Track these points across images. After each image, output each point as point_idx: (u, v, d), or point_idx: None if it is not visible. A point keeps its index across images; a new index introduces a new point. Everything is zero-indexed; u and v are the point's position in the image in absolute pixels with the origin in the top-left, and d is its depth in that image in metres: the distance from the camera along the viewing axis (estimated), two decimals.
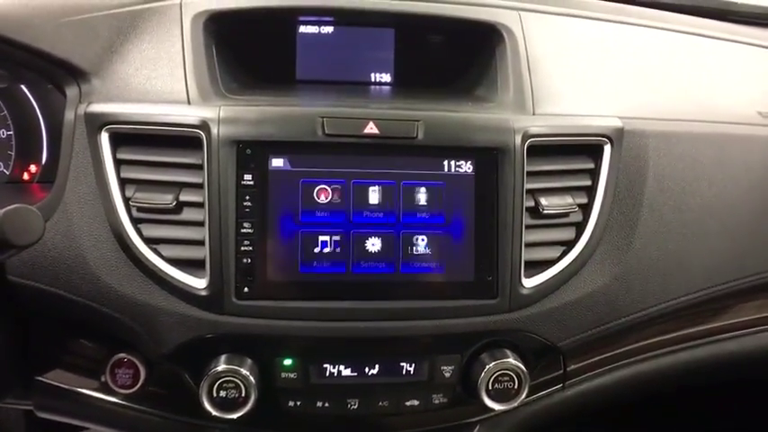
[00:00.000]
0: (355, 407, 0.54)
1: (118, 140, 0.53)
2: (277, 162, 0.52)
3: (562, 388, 0.61)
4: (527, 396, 0.58)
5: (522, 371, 0.53)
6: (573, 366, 0.61)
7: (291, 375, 0.52)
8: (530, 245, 0.55)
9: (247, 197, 0.51)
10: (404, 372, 0.54)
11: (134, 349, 0.56)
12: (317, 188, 0.52)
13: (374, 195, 0.52)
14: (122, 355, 0.56)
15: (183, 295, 0.52)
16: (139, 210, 0.52)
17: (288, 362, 0.52)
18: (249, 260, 0.51)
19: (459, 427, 0.58)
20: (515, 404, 0.54)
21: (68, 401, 0.58)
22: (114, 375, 0.57)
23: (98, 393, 0.57)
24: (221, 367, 0.50)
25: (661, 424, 1.10)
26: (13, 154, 0.67)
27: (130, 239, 0.51)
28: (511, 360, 0.53)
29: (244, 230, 0.51)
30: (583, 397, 0.63)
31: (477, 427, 0.60)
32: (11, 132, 0.66)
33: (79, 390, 0.57)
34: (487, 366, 0.53)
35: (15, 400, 0.59)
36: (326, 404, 0.53)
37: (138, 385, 0.56)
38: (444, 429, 0.54)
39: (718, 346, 0.66)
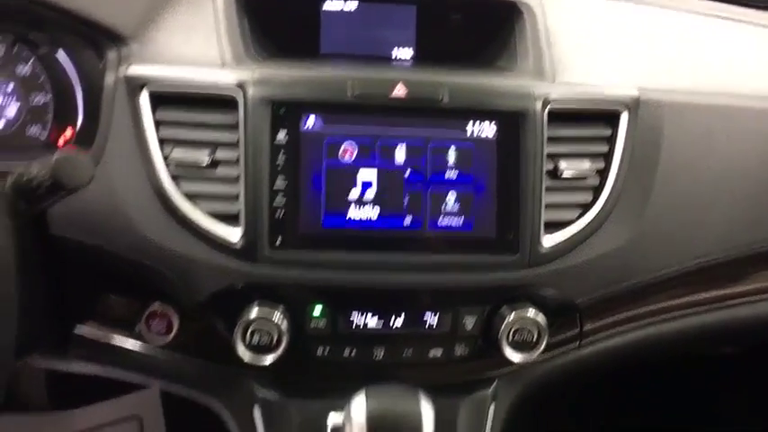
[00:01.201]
0: (380, 356, 0.56)
1: (156, 101, 0.55)
2: (309, 122, 0.54)
3: (578, 347, 0.64)
4: (544, 352, 0.61)
5: (541, 324, 0.56)
6: (589, 326, 0.64)
7: (320, 324, 0.55)
8: (549, 206, 0.57)
9: (280, 154, 0.54)
10: (427, 324, 0.57)
11: (168, 301, 0.59)
12: (345, 147, 0.54)
13: (401, 154, 0.55)
14: (156, 306, 0.59)
15: (219, 246, 0.54)
16: (177, 167, 0.54)
17: (317, 311, 0.55)
18: (281, 213, 0.53)
19: (478, 381, 0.61)
20: (534, 356, 0.56)
21: (104, 353, 0.60)
22: (149, 326, 0.59)
23: (133, 344, 0.60)
24: (254, 314, 0.53)
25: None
26: (50, 119, 0.69)
27: (169, 195, 0.54)
28: (531, 313, 0.56)
29: (276, 186, 0.53)
30: (597, 357, 0.65)
31: (496, 382, 0.62)
32: (49, 97, 0.69)
33: (114, 341, 0.60)
34: (508, 318, 0.56)
35: (52, 352, 0.62)
36: (353, 353, 0.56)
37: (172, 335, 0.59)
38: (465, 384, 0.57)
39: (732, 312, 0.68)
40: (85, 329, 0.60)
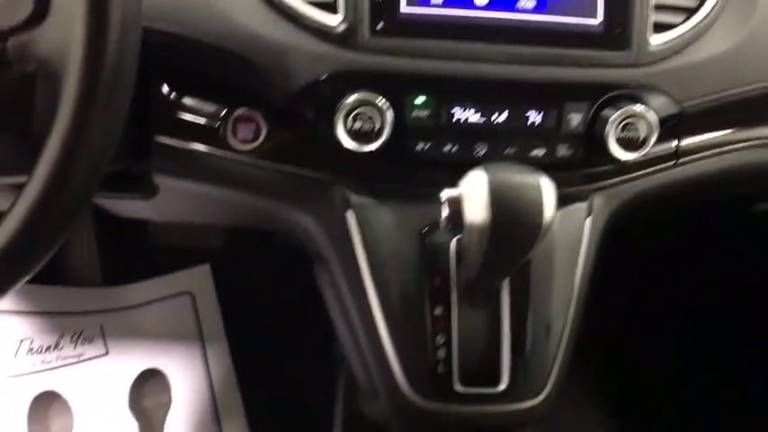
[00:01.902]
0: (481, 153, 0.54)
1: None
2: None
3: (673, 165, 0.61)
4: (640, 168, 0.59)
5: (650, 120, 0.54)
6: (686, 142, 0.61)
7: (422, 114, 0.53)
8: (657, 7, 0.55)
9: None
10: (530, 120, 0.54)
11: (255, 105, 0.56)
12: None
13: None
14: (243, 110, 0.56)
15: (317, 33, 0.52)
16: None
17: (420, 100, 0.53)
18: None
19: (577, 192, 0.59)
20: (641, 154, 0.54)
21: (187, 161, 0.58)
22: (235, 131, 0.57)
23: (218, 151, 0.57)
24: (356, 98, 0.51)
25: None
26: None
27: None
28: (640, 108, 0.54)
29: None
30: (691, 181, 0.63)
31: (592, 197, 0.60)
32: None
33: (199, 148, 0.57)
34: (616, 113, 0.53)
35: (134, 161, 0.59)
36: (454, 148, 0.54)
37: (260, 140, 0.57)
38: (560, 197, 0.55)
39: None
40: (168, 136, 0.58)
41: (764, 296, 1.09)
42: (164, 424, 1.09)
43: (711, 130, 0.62)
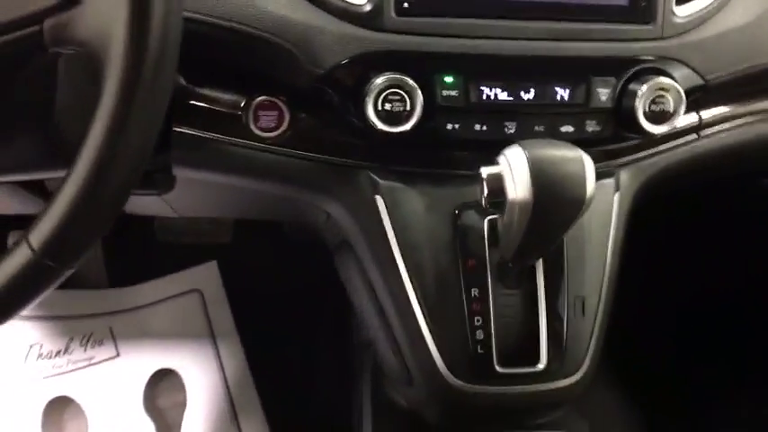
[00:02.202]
0: (512, 131, 0.54)
1: None
2: None
3: (697, 138, 0.61)
4: (664, 142, 0.59)
5: (679, 91, 0.53)
6: (708, 114, 0.61)
7: (452, 93, 0.52)
8: None
9: None
10: (558, 96, 0.54)
11: (277, 92, 0.55)
12: None
13: None
14: (265, 97, 0.55)
15: (342, 14, 0.51)
16: None
17: (448, 79, 0.52)
18: None
19: (605, 168, 0.58)
20: (671, 126, 0.54)
21: (208, 151, 0.56)
22: (257, 118, 0.55)
23: (240, 140, 0.56)
24: (386, 79, 0.50)
25: None
26: None
27: None
28: (667, 80, 0.53)
29: None
30: (712, 153, 0.62)
31: (621, 173, 0.59)
32: None
33: (220, 137, 0.56)
34: (644, 86, 0.53)
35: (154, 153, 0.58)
36: (484, 127, 0.53)
37: (283, 128, 0.56)
38: None
39: None
40: (187, 128, 0.56)
41: None
42: (180, 424, 1.08)
43: (733, 103, 0.62)
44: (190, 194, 0.70)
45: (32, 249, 0.34)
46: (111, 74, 0.34)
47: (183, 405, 1.10)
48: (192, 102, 0.56)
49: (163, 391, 1.12)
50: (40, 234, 0.34)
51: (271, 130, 0.56)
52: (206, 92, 0.56)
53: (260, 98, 0.55)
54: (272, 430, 1.10)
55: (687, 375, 1.13)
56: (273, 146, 0.56)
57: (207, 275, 1.20)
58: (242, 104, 0.55)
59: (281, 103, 0.55)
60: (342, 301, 1.02)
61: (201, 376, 1.13)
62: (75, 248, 0.36)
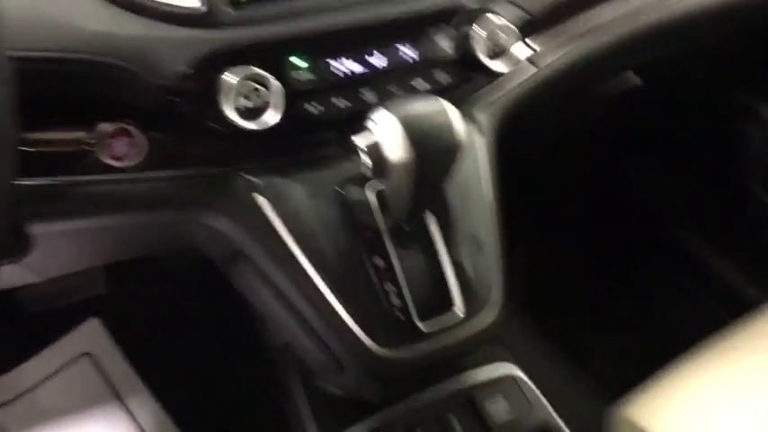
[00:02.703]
0: (370, 98, 0.55)
1: None
2: None
3: (537, 69, 0.65)
4: (510, 79, 0.64)
5: (510, 26, 0.57)
6: (541, 46, 0.65)
7: (304, 74, 0.52)
8: None
9: None
10: (402, 55, 0.55)
11: (124, 116, 0.51)
12: None
13: None
14: (109, 124, 0.51)
15: (175, 19, 0.49)
16: None
17: (297, 61, 0.52)
18: None
19: (463, 113, 0.61)
20: (507, 66, 0.58)
21: (64, 198, 0.52)
22: (109, 149, 0.52)
23: (96, 176, 0.52)
24: (237, 75, 0.49)
25: None
26: None
27: None
28: (495, 18, 0.57)
29: None
30: (553, 79, 0.67)
31: (478, 115, 0.63)
32: None
33: (74, 178, 0.51)
34: (479, 29, 0.56)
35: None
36: (343, 100, 0.54)
37: (138, 152, 0.52)
38: None
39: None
40: (33, 180, 0.51)
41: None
42: None
43: (559, 32, 0.67)
44: (52, 252, 0.64)
45: None
46: None
47: None
48: (31, 147, 0.50)
49: None
50: None
51: (127, 158, 0.52)
52: (46, 134, 0.51)
53: (105, 126, 0.51)
54: None
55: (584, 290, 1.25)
56: (134, 173, 0.52)
57: (91, 334, 1.11)
58: (87, 138, 0.51)
59: (130, 127, 0.52)
60: (243, 315, 0.99)
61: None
62: None
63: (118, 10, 0.48)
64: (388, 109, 0.48)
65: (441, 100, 0.49)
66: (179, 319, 1.18)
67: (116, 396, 1.12)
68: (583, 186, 1.37)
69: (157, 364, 1.15)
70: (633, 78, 0.96)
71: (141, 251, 0.75)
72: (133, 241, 0.65)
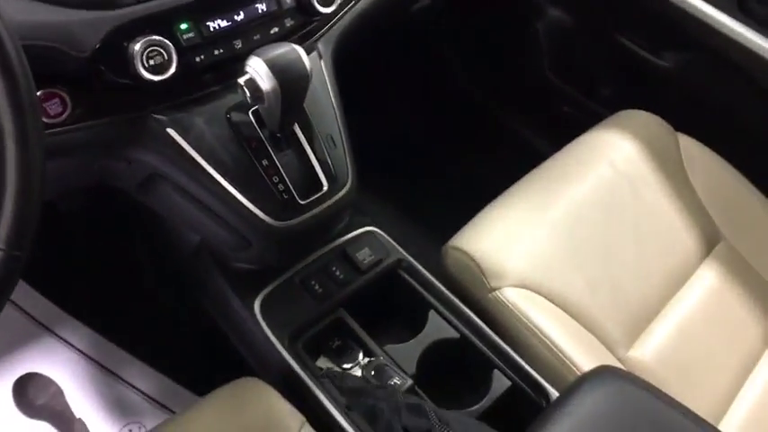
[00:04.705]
0: (239, 45, 0.75)
1: None
2: None
3: (354, 3, 0.88)
4: (336, 15, 0.86)
5: None
6: None
7: (190, 35, 0.71)
8: None
9: None
10: (260, 10, 0.76)
11: (53, 83, 0.67)
12: None
13: None
14: (42, 91, 0.67)
15: (86, 4, 0.65)
16: None
17: (183, 26, 0.71)
18: None
19: (308, 46, 0.83)
20: (334, 7, 0.80)
21: None
22: (47, 111, 0.69)
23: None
24: (142, 42, 0.67)
25: None
26: None
27: None
28: None
29: None
30: (373, 6, 0.90)
31: (318, 45, 0.85)
32: None
33: None
34: None
35: None
36: (221, 50, 0.73)
37: (69, 109, 0.69)
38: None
39: None
40: None
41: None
42: (70, 406, 1.17)
43: None
44: None
45: (1, 249, 0.48)
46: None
47: (60, 393, 1.19)
48: None
49: (34, 393, 1.18)
50: (1, 236, 0.48)
51: (60, 115, 0.69)
52: None
53: (39, 92, 0.68)
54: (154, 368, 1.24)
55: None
56: (70, 125, 0.70)
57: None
58: None
59: (59, 91, 0.68)
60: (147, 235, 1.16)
61: (58, 362, 1.22)
62: (28, 234, 0.50)
63: (39, 3, 0.63)
64: (257, 55, 0.69)
65: (290, 44, 0.71)
66: (87, 254, 1.33)
67: (45, 329, 1.26)
68: (414, 72, 1.66)
69: (78, 299, 1.30)
70: None
71: (70, 186, 0.91)
72: (67, 178, 0.81)
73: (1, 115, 0.48)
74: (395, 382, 0.83)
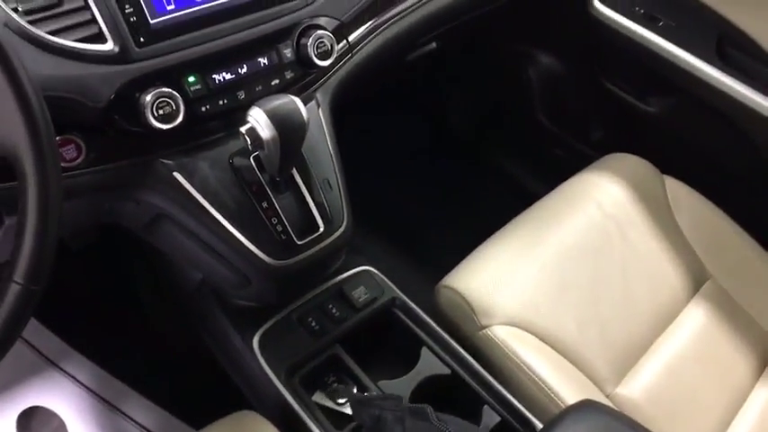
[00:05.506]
0: (243, 96, 0.80)
1: None
2: None
3: (351, 56, 0.94)
4: (333, 66, 0.90)
5: (328, 35, 0.84)
6: (352, 38, 0.93)
7: (197, 87, 0.76)
8: None
9: None
10: (262, 64, 0.81)
11: (69, 130, 0.72)
12: None
13: None
14: (59, 137, 0.73)
15: (99, 60, 0.70)
16: (27, 13, 0.67)
17: (191, 79, 0.76)
18: (133, 15, 0.71)
19: (307, 97, 0.88)
20: (332, 60, 0.85)
21: None
22: (61, 155, 0.74)
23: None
24: (153, 94, 0.71)
25: None
26: None
27: (36, 35, 0.67)
28: (320, 31, 0.83)
29: None
30: (365, 60, 0.95)
31: (317, 95, 0.90)
32: None
33: None
34: (309, 40, 0.82)
35: None
36: (225, 100, 0.79)
37: (83, 154, 0.74)
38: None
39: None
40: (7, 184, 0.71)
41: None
42: None
43: (368, 21, 0.95)
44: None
45: (19, 283, 0.53)
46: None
47: (62, 426, 1.21)
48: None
49: (37, 426, 1.21)
50: (20, 271, 0.52)
51: (75, 159, 0.74)
52: None
53: (57, 138, 0.73)
54: (154, 402, 1.27)
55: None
56: (85, 169, 0.75)
57: None
58: None
59: (75, 137, 0.74)
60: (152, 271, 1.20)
61: (61, 395, 1.25)
62: (45, 270, 0.55)
63: (59, 58, 0.69)
64: (258, 106, 0.74)
65: (289, 96, 0.76)
66: (91, 290, 1.37)
67: (51, 364, 1.30)
68: (410, 116, 1.75)
69: (81, 333, 1.33)
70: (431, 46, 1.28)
71: (81, 225, 0.95)
72: (78, 217, 0.86)
73: (24, 160, 0.53)
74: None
